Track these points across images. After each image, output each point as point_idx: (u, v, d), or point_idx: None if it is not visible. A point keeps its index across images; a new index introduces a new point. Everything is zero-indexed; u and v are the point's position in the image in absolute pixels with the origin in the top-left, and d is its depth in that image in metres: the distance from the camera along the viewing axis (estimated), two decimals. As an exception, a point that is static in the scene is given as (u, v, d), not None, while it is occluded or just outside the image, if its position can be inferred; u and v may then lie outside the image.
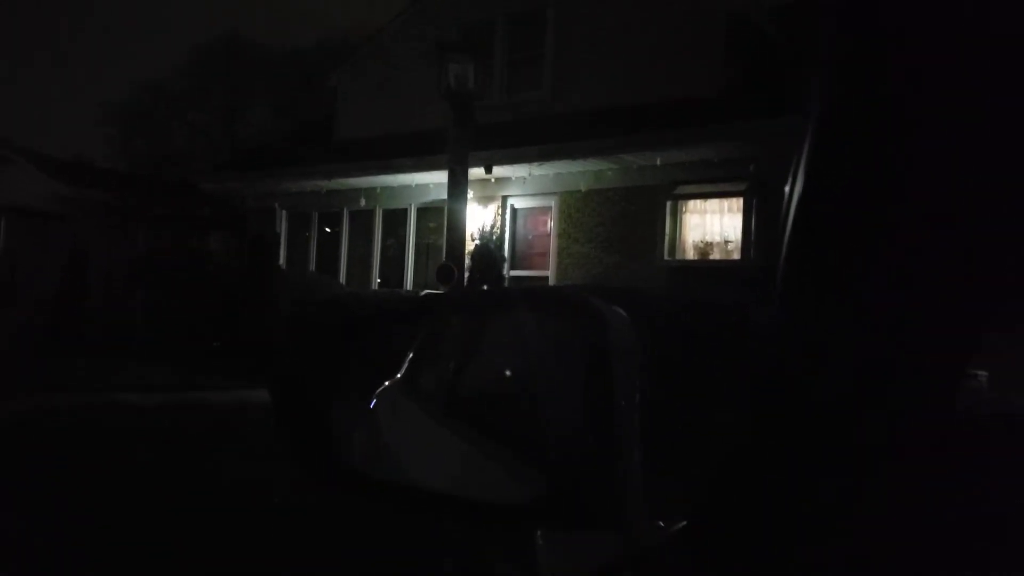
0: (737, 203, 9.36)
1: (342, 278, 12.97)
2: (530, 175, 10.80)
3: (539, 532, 0.84)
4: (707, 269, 9.38)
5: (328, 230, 13.59)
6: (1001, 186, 0.50)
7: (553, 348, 1.05)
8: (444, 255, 9.33)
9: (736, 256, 9.24)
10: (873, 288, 0.55)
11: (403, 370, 2.51)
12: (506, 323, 1.52)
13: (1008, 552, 0.59)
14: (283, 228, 13.97)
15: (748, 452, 0.67)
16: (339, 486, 0.80)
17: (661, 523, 0.81)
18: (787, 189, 0.61)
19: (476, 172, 10.28)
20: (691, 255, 9.75)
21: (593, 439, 0.75)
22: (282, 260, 13.61)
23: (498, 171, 10.69)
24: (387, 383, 2.54)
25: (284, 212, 13.99)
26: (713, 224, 9.66)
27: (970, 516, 0.61)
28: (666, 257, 9.74)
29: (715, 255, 9.56)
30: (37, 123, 40.09)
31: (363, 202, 12.77)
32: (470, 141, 8.63)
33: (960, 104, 0.49)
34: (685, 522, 0.82)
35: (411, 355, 2.52)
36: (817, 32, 0.59)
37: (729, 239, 9.48)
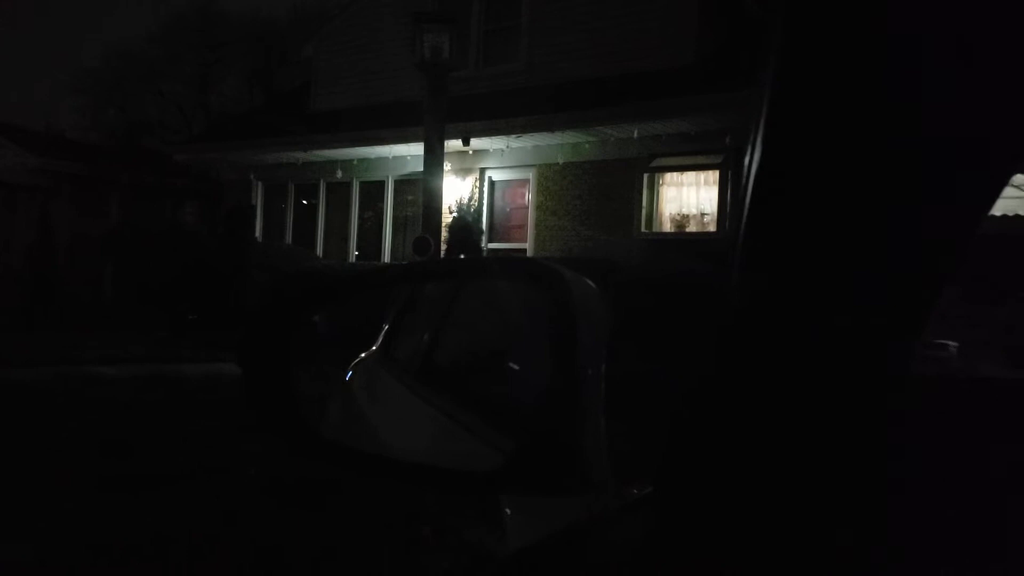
0: (713, 175, 9.40)
1: (319, 251, 12.89)
2: (508, 147, 10.76)
3: (505, 498, 0.86)
4: (683, 241, 9.44)
5: (305, 202, 13.46)
6: (954, 155, 0.51)
7: (522, 317, 1.06)
8: (421, 227, 9.29)
9: (712, 228, 9.31)
10: (831, 257, 0.56)
11: (379, 340, 2.52)
12: (476, 292, 1.53)
13: (981, 516, 0.60)
14: (259, 200, 13.81)
15: (710, 417, 0.68)
16: (309, 453, 0.80)
17: (635, 491, 0.83)
18: (746, 160, 0.61)
19: (454, 144, 10.21)
20: (668, 228, 9.80)
21: (559, 406, 0.76)
22: (258, 232, 13.48)
23: (476, 143, 10.63)
24: (363, 354, 2.55)
25: (260, 184, 13.83)
26: (690, 197, 9.71)
27: (934, 481, 0.63)
28: (643, 229, 9.79)
29: (691, 228, 9.62)
30: (4, 93, 39.09)
31: (340, 174, 12.66)
32: (445, 112, 8.57)
33: (911, 70, 0.50)
34: (651, 487, 0.84)
35: (386, 326, 2.53)
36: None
37: (705, 212, 9.53)
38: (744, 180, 0.61)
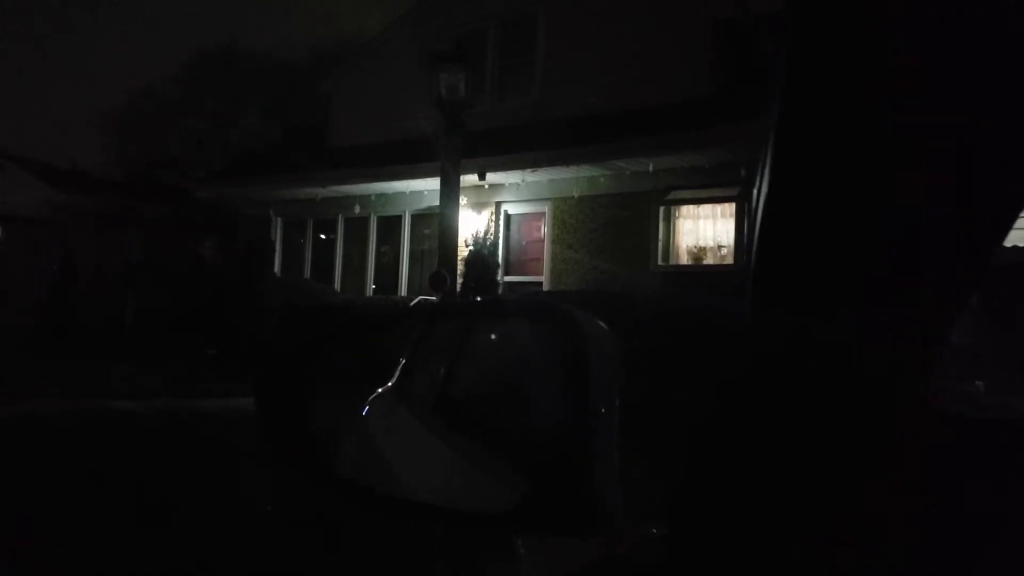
0: (730, 208, 9.40)
1: (337, 285, 12.97)
2: (523, 181, 10.83)
3: (519, 538, 0.85)
4: (701, 274, 9.41)
5: (323, 237, 13.59)
6: (955, 185, 0.51)
7: (535, 356, 1.07)
8: (437, 261, 9.34)
9: (729, 261, 9.28)
10: (839, 287, 0.57)
11: (395, 376, 2.52)
12: (490, 331, 1.53)
13: (999, 555, 0.60)
14: (278, 235, 13.97)
15: (724, 453, 0.68)
16: (322, 487, 0.81)
17: (655, 530, 0.82)
18: (755, 192, 0.62)
19: (470, 179, 10.30)
20: (684, 260, 9.79)
21: (573, 447, 0.76)
22: (277, 267, 13.61)
23: (492, 177, 10.72)
24: (380, 389, 2.56)
25: (279, 219, 13.99)
26: (706, 229, 9.70)
27: (956, 517, 0.62)
28: (660, 262, 9.78)
29: (708, 260, 9.60)
30: (33, 131, 40.02)
31: (358, 209, 12.78)
32: (460, 148, 8.68)
33: (911, 104, 0.50)
34: (667, 526, 0.84)
35: (403, 361, 2.53)
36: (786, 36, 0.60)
37: (722, 244, 9.51)
38: (753, 213, 0.62)
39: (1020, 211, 0.53)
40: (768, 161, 0.59)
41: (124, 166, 26.77)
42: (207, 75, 27.60)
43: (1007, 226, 0.54)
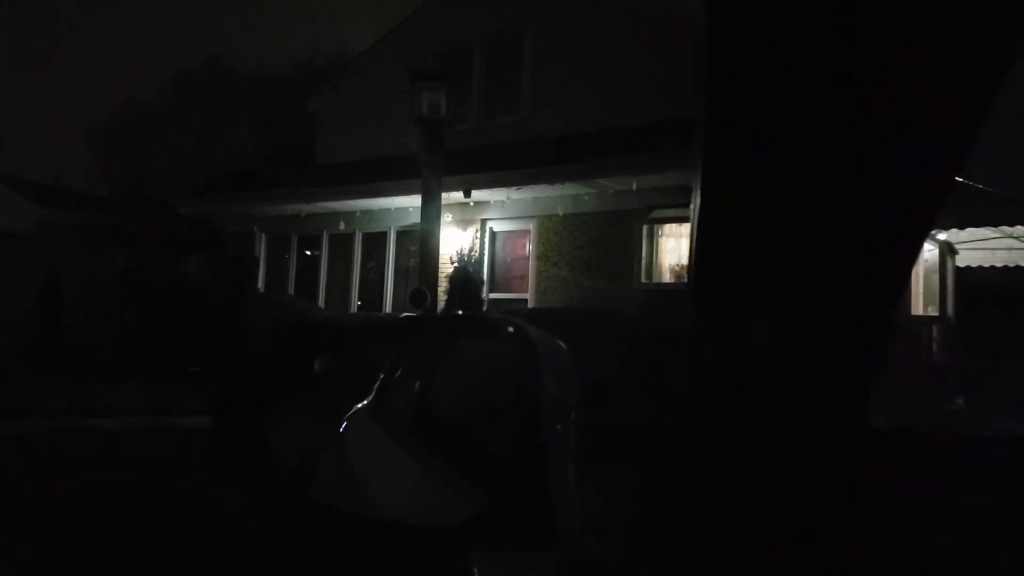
0: (712, 226, 9.47)
1: (321, 301, 12.93)
2: (508, 199, 10.88)
3: (474, 555, 0.86)
4: (683, 292, 9.43)
5: (308, 253, 13.56)
6: (869, 191, 0.53)
7: (494, 374, 1.08)
8: (418, 278, 9.35)
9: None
10: (763, 291, 0.59)
11: (373, 392, 2.52)
12: (463, 351, 1.54)
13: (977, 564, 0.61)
14: (262, 251, 13.92)
15: (682, 462, 0.69)
16: (276, 503, 0.81)
17: (602, 541, 0.83)
18: (691, 207, 0.65)
19: (455, 196, 10.33)
20: (667, 278, 9.84)
21: (525, 462, 0.77)
22: (261, 283, 13.55)
23: (477, 195, 10.76)
24: (358, 405, 2.56)
25: (263, 235, 13.95)
26: (688, 247, 9.76)
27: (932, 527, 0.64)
28: (643, 280, 9.82)
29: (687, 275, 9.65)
30: (16, 147, 39.78)
31: (343, 225, 12.78)
32: (442, 165, 8.73)
33: (817, 119, 0.53)
34: (622, 539, 0.85)
35: (380, 378, 2.54)
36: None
37: (705, 262, 9.56)
38: (692, 224, 0.65)
39: (933, 222, 0.55)
40: (699, 174, 0.61)
41: (109, 182, 26.64)
42: (193, 92, 27.59)
43: (925, 229, 0.56)
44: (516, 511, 0.75)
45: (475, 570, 0.84)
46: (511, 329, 0.82)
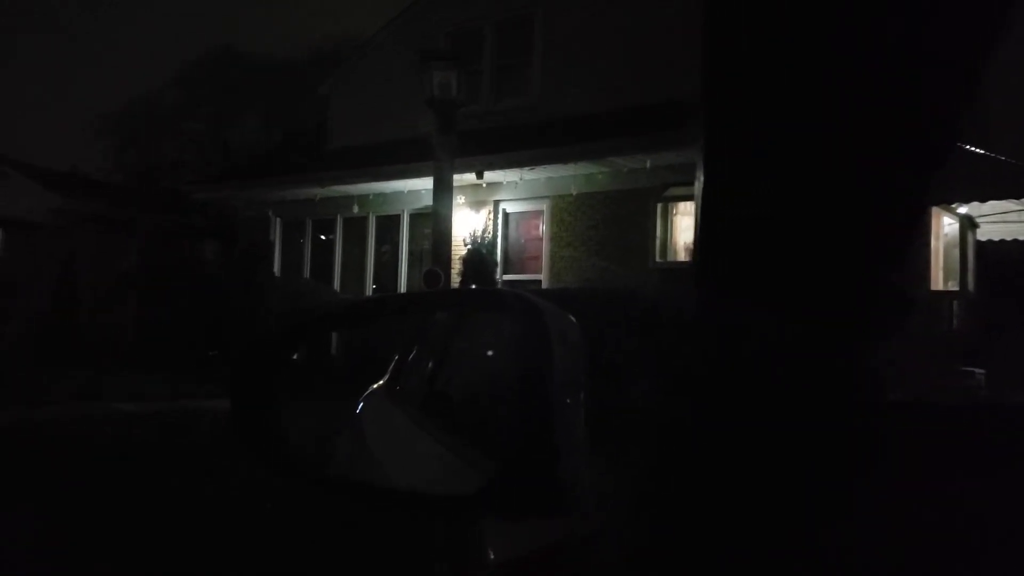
0: (727, 204, 9.41)
1: (336, 285, 13.00)
2: (521, 179, 10.85)
3: (484, 520, 0.88)
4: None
5: (322, 237, 13.62)
6: (872, 180, 0.54)
7: (504, 349, 1.09)
8: (432, 260, 9.37)
9: (727, 257, 9.28)
10: (766, 276, 0.59)
11: (388, 372, 2.55)
12: (475, 323, 1.56)
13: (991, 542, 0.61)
14: (277, 236, 13.99)
15: (683, 439, 0.70)
16: (292, 479, 0.83)
17: (608, 512, 0.85)
18: (696, 186, 0.65)
19: (468, 178, 10.32)
20: (682, 257, 9.80)
21: (534, 430, 0.78)
22: (277, 268, 13.63)
23: (490, 176, 10.74)
24: (374, 385, 2.59)
25: (278, 220, 14.01)
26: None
27: (952, 504, 0.64)
28: (657, 259, 9.79)
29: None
30: (32, 136, 40.11)
31: (356, 209, 12.81)
32: (454, 147, 8.70)
33: (824, 106, 0.53)
34: (628, 508, 0.86)
35: (396, 358, 2.56)
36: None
37: (719, 240, 9.51)
38: (696, 207, 0.65)
39: (930, 193, 0.55)
40: (702, 157, 0.61)
41: (123, 171, 26.81)
42: (205, 78, 27.63)
43: (923, 209, 0.56)
44: (525, 480, 0.77)
45: (486, 537, 0.86)
46: (520, 301, 0.83)
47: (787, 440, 0.62)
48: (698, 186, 0.62)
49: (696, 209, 0.63)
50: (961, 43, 0.51)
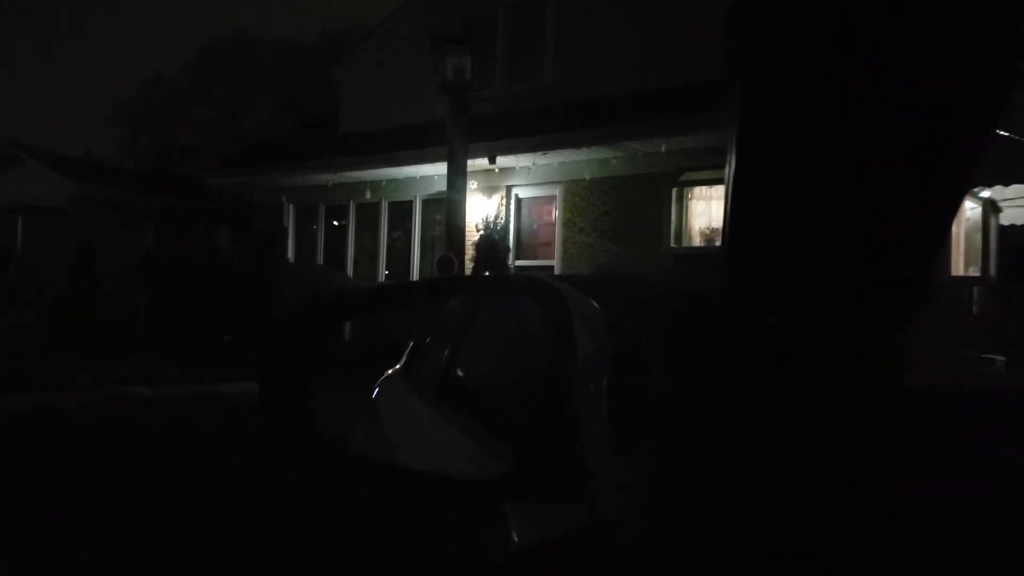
0: (742, 189, 9.33)
1: (349, 270, 13.03)
2: (534, 165, 10.81)
3: (508, 505, 0.88)
4: (713, 256, 9.36)
5: (335, 223, 13.64)
6: (909, 175, 0.52)
7: (526, 334, 1.08)
8: (446, 245, 9.37)
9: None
10: (805, 269, 0.58)
11: (403, 357, 2.55)
12: (492, 309, 1.55)
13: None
14: (291, 222, 14.03)
15: (708, 428, 0.69)
16: (320, 467, 0.83)
17: (630, 499, 0.84)
18: (727, 172, 0.63)
19: (481, 163, 10.28)
20: (697, 242, 9.75)
21: (557, 420, 0.78)
22: (290, 253, 13.68)
23: (502, 161, 10.70)
24: (389, 371, 2.59)
25: (291, 206, 14.05)
26: (718, 210, 9.65)
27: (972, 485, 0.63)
28: (672, 244, 9.74)
29: (720, 241, 9.53)
30: (46, 122, 40.34)
31: (369, 195, 12.81)
32: (467, 131, 8.67)
33: (866, 93, 0.52)
34: (650, 496, 0.85)
35: (411, 344, 2.56)
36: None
37: (735, 225, 9.44)
38: (726, 193, 0.63)
39: (968, 186, 0.54)
40: (735, 144, 0.60)
41: (137, 157, 26.93)
42: (217, 65, 27.66)
43: (959, 200, 0.55)
44: (548, 465, 0.76)
45: (509, 522, 0.86)
46: (544, 287, 0.83)
47: (807, 436, 0.60)
48: (729, 171, 0.61)
49: (726, 196, 0.61)
50: (1001, 31, 0.50)
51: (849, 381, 0.58)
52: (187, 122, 28.47)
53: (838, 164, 0.54)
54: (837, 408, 0.57)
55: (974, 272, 9.20)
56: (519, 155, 10.54)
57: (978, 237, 9.28)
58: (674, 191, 9.80)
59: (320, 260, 13.53)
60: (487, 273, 9.57)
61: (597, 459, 0.80)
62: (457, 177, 8.69)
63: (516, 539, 0.84)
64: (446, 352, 1.98)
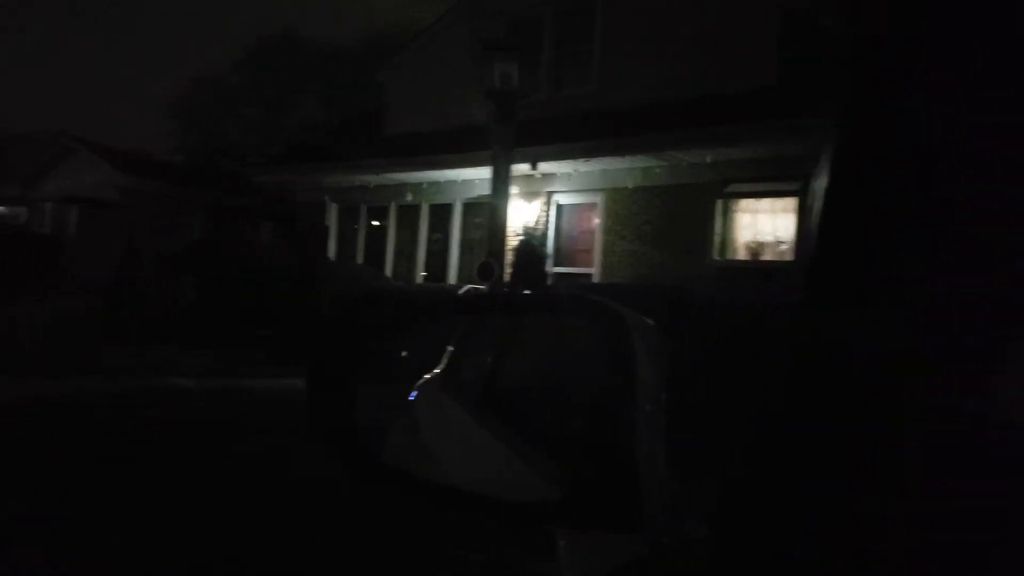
0: (791, 202, 9.18)
1: (388, 271, 13.13)
2: (576, 171, 10.76)
3: (560, 532, 0.84)
4: (758, 270, 9.22)
5: (376, 223, 13.76)
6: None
7: (580, 352, 1.05)
8: (486, 250, 9.36)
9: (789, 257, 9.07)
10: (899, 286, 0.54)
11: (443, 363, 2.53)
12: (539, 324, 1.52)
13: None
14: (332, 220, 14.19)
15: (773, 454, 0.66)
16: (365, 478, 0.81)
17: (688, 527, 0.80)
18: (815, 184, 0.60)
19: (521, 168, 10.27)
20: (742, 255, 9.60)
21: (617, 442, 0.75)
22: (331, 252, 13.83)
23: (544, 167, 10.68)
24: (427, 376, 2.57)
25: (334, 205, 14.21)
26: (765, 224, 9.49)
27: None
28: (715, 257, 9.61)
29: (767, 256, 9.39)
30: (100, 117, 41.45)
31: (410, 197, 12.90)
32: (512, 138, 8.66)
33: (989, 104, 0.47)
34: (709, 528, 0.81)
35: (451, 349, 2.54)
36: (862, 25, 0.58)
37: (782, 239, 9.30)
38: (810, 206, 0.60)
39: None
40: (831, 154, 0.56)
41: (186, 152, 27.51)
42: (266, 63, 28.14)
43: None
44: (606, 492, 0.73)
45: (561, 543, 0.83)
46: (602, 308, 0.79)
47: (897, 472, 0.56)
48: (820, 183, 0.57)
49: (814, 208, 0.58)
50: None
51: (956, 420, 0.54)
52: (235, 118, 29.00)
53: (969, 174, 0.49)
54: (939, 442, 0.53)
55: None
56: (561, 161, 10.51)
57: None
58: (719, 202, 9.67)
59: (360, 259, 13.65)
60: (523, 279, 9.55)
61: (656, 485, 0.77)
62: (500, 183, 8.68)
63: (567, 569, 0.81)
64: (488, 362, 1.95)
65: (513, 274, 9.69)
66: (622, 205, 10.51)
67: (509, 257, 10.29)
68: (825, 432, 0.58)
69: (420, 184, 12.67)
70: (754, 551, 0.65)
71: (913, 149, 0.50)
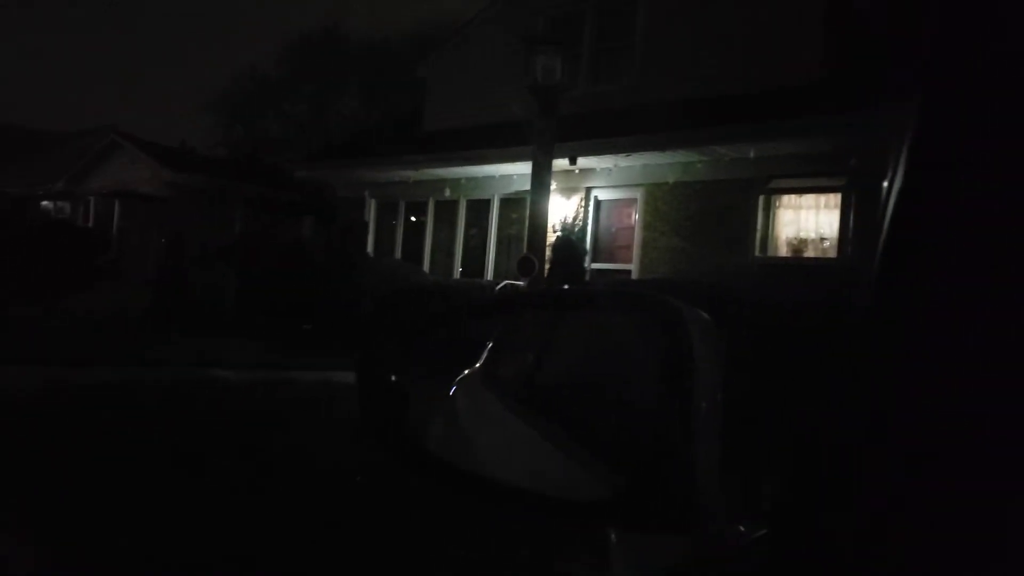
0: (835, 199, 9.00)
1: (426, 266, 13.20)
2: (615, 166, 10.69)
3: (612, 531, 0.83)
4: (800, 267, 9.07)
5: (414, 219, 13.84)
6: None
7: (630, 348, 1.03)
8: (525, 246, 9.34)
9: (832, 255, 8.90)
10: (971, 290, 0.52)
11: (483, 359, 2.52)
12: (585, 320, 1.50)
13: None
14: (371, 216, 14.30)
15: (831, 456, 0.64)
16: (418, 471, 0.81)
17: (742, 527, 0.78)
18: (885, 184, 0.58)
19: (560, 163, 10.23)
20: (784, 252, 9.45)
21: (673, 442, 0.73)
22: (370, 247, 13.95)
23: (583, 162, 10.62)
24: (467, 371, 2.57)
25: (373, 200, 14.32)
26: (808, 220, 9.33)
27: None
28: (757, 253, 9.47)
29: (809, 253, 9.23)
30: (146, 112, 42.36)
31: (448, 192, 12.93)
32: (554, 133, 8.62)
33: None
34: (764, 528, 0.79)
35: (491, 345, 2.53)
36: (917, 19, 0.56)
37: (825, 236, 9.13)
38: (882, 206, 0.58)
39: None
40: (905, 152, 0.54)
41: (229, 147, 27.97)
42: (308, 59, 28.47)
43: None
44: (661, 492, 0.71)
45: (613, 539, 0.81)
46: (660, 304, 0.77)
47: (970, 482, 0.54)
48: (890, 181, 0.55)
49: (886, 206, 0.55)
50: None
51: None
52: (277, 114, 29.41)
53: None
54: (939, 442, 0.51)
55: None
56: (601, 156, 10.44)
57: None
58: (761, 198, 9.52)
59: (398, 254, 13.75)
60: (562, 275, 9.51)
61: (711, 486, 0.75)
62: (540, 179, 8.66)
63: (618, 569, 0.79)
64: (530, 356, 1.94)
65: (551, 270, 9.66)
66: (662, 200, 10.41)
67: (547, 253, 10.27)
68: (892, 437, 0.56)
69: (458, 180, 12.70)
70: (809, 552, 0.64)
71: (996, 150, 0.47)
